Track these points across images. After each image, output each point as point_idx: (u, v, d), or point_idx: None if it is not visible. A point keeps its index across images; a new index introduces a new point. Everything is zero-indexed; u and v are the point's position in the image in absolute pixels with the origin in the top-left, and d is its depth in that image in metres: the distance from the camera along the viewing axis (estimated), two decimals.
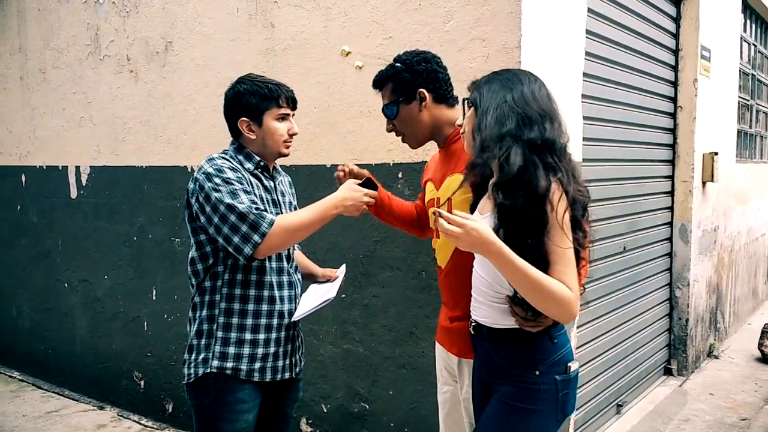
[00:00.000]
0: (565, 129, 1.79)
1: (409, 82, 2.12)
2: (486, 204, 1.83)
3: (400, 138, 2.24)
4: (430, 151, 2.92)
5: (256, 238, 1.96)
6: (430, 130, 2.16)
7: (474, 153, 1.79)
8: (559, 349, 1.81)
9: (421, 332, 3.00)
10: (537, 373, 1.77)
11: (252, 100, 2.11)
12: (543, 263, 1.67)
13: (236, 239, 1.96)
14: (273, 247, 2.01)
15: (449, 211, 2.04)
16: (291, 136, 2.17)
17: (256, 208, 1.98)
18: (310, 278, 2.40)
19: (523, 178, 1.66)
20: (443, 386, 2.21)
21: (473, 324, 1.90)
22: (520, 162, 1.67)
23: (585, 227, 1.75)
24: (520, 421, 1.78)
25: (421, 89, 2.12)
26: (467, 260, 1.98)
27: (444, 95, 2.15)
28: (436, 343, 2.24)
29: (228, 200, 1.97)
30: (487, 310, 1.84)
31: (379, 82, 2.20)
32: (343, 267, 2.43)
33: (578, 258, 1.74)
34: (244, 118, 2.12)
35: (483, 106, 1.79)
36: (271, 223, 1.97)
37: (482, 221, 1.64)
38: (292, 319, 2.16)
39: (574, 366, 1.82)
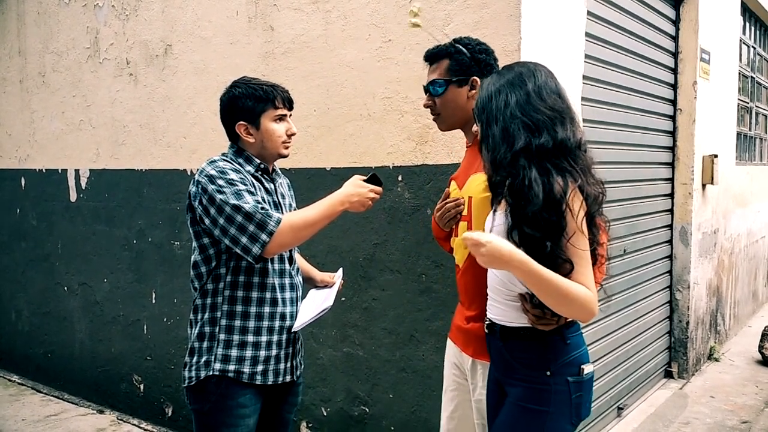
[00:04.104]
0: (578, 124, 1.76)
1: (467, 67, 2.10)
2: (501, 204, 1.81)
3: (433, 116, 2.21)
4: (429, 154, 2.92)
5: (264, 237, 1.95)
6: (467, 120, 2.14)
7: (488, 170, 1.77)
8: (572, 350, 1.79)
9: (421, 335, 2.99)
10: (548, 373, 1.75)
11: (248, 103, 2.10)
12: (560, 264, 1.65)
13: (244, 239, 1.96)
14: (281, 246, 2.00)
15: (469, 209, 2.05)
16: (289, 136, 2.17)
17: (262, 208, 1.97)
18: (309, 282, 2.40)
19: (536, 186, 1.64)
20: (451, 384, 2.18)
21: (487, 322, 1.89)
22: (535, 175, 1.65)
23: (600, 224, 1.74)
24: (533, 422, 1.76)
25: (476, 77, 2.09)
26: None
27: None
28: (448, 341, 2.21)
29: (233, 201, 1.96)
30: (501, 308, 1.83)
31: (434, 57, 2.16)
32: (340, 271, 2.42)
33: (595, 256, 1.73)
34: (242, 122, 2.12)
35: (486, 116, 1.77)
36: (279, 222, 1.97)
37: (494, 235, 1.60)
38: (293, 330, 2.16)
39: (588, 368, 1.80)
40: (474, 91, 2.10)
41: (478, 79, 2.09)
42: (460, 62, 2.10)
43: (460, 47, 2.11)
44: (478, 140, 2.06)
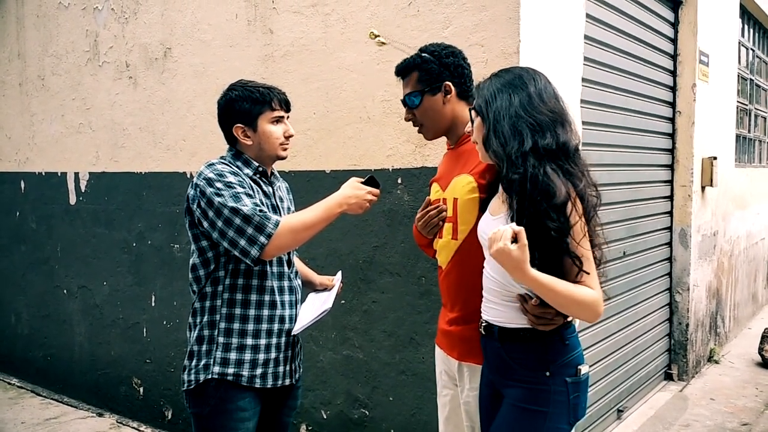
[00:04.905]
0: (575, 128, 1.78)
1: (437, 74, 2.11)
2: (498, 205, 1.82)
3: (416, 128, 2.21)
4: (429, 156, 2.92)
5: (262, 239, 1.95)
6: (450, 124, 2.15)
7: (501, 166, 1.76)
8: (570, 351, 1.79)
9: (421, 338, 2.99)
10: (547, 374, 1.76)
11: (245, 106, 2.10)
12: (568, 263, 1.67)
13: (242, 242, 1.96)
14: (279, 248, 2.00)
15: (454, 211, 2.05)
16: (287, 138, 2.17)
17: (260, 210, 1.97)
18: (308, 286, 2.40)
19: (542, 187, 1.65)
20: (443, 389, 2.21)
21: (483, 324, 1.89)
22: (542, 175, 1.66)
23: (593, 226, 1.75)
24: (532, 423, 1.77)
25: (448, 82, 2.10)
26: (467, 261, 1.98)
27: (467, 92, 2.14)
28: (436, 347, 2.23)
29: (231, 204, 1.96)
30: (499, 309, 1.83)
31: (404, 70, 2.17)
32: (339, 274, 2.42)
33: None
34: (239, 125, 2.12)
35: (491, 116, 1.77)
36: (277, 224, 1.97)
37: (519, 249, 1.60)
38: (293, 333, 2.16)
39: (584, 369, 1.81)
40: (449, 96, 2.11)
41: (450, 84, 2.10)
42: (429, 71, 2.11)
43: (426, 56, 2.12)
44: (464, 140, 2.07)
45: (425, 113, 2.14)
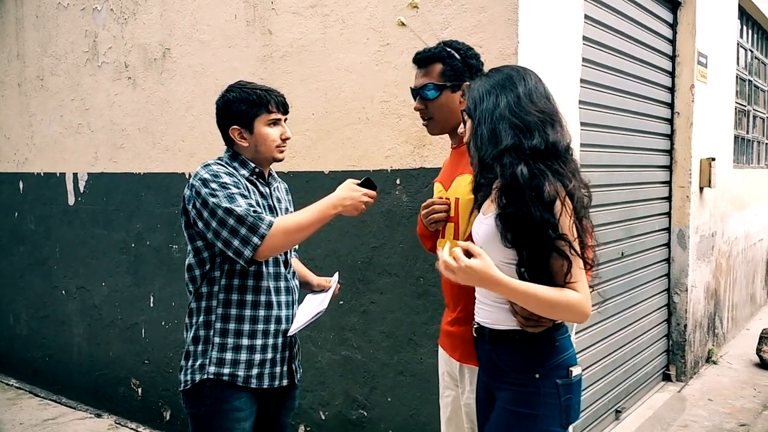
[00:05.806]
0: (566, 128, 1.77)
1: (460, 72, 2.09)
2: (488, 205, 1.82)
3: (425, 121, 2.19)
4: (428, 157, 2.93)
5: (255, 240, 1.95)
6: (457, 123, 2.12)
7: (475, 172, 1.77)
8: (561, 353, 1.78)
9: (420, 339, 2.99)
10: (537, 376, 1.75)
11: (242, 108, 2.10)
12: (556, 264, 1.66)
13: (236, 242, 1.96)
14: (273, 249, 2.00)
15: (456, 210, 2.05)
16: (284, 140, 2.17)
17: (254, 211, 1.98)
18: (306, 287, 2.40)
19: (530, 186, 1.64)
20: (445, 390, 2.21)
21: (475, 326, 1.89)
22: (527, 174, 1.65)
23: (586, 227, 1.74)
24: (523, 426, 1.76)
25: (468, 83, 2.08)
26: None
27: None
28: (439, 347, 2.23)
29: (225, 204, 1.97)
30: (490, 311, 1.83)
31: (427, 60, 2.13)
32: (336, 275, 2.42)
33: (583, 259, 1.73)
34: (235, 126, 2.12)
35: (477, 117, 1.77)
36: (270, 225, 1.97)
37: (478, 259, 1.61)
38: (288, 334, 2.16)
39: (576, 370, 1.79)
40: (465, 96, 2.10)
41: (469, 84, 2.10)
42: (453, 67, 2.09)
43: (452, 51, 2.10)
44: (464, 141, 2.07)
45: (440, 108, 2.12)
